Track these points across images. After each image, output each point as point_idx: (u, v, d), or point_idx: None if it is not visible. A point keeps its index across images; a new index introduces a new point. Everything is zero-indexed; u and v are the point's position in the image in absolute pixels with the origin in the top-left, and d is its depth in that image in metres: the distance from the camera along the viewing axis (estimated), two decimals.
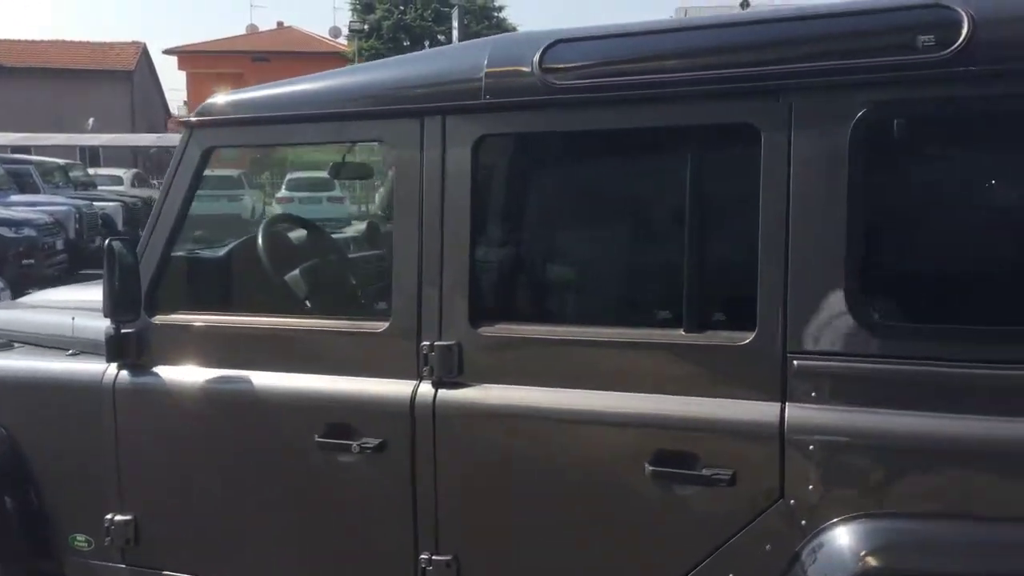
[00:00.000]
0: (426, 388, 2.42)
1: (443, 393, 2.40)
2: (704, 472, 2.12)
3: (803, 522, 2.06)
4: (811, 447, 2.05)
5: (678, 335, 2.22)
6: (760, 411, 2.11)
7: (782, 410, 2.09)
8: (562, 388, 2.30)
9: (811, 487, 2.05)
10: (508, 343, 2.37)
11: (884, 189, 2.09)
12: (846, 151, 2.03)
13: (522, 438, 2.34)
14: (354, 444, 2.43)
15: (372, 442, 2.42)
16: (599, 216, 2.49)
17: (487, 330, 2.38)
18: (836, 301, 2.05)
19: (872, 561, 1.96)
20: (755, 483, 2.10)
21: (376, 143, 2.66)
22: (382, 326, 2.49)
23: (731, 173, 2.26)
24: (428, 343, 2.41)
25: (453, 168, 2.39)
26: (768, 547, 2.10)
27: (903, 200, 2.14)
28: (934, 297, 2.08)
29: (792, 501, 2.07)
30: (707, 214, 2.20)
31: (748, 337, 2.14)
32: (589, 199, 2.51)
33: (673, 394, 2.20)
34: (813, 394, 2.08)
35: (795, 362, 2.09)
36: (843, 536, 2.01)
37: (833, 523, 2.03)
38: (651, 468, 2.16)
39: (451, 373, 2.40)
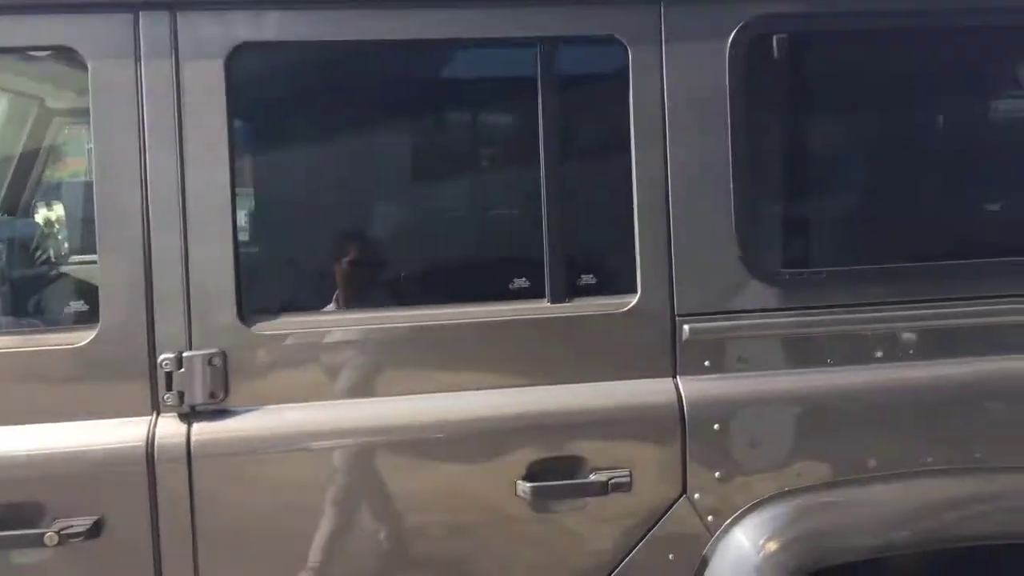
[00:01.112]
0: (170, 426, 1.58)
1: (200, 429, 1.58)
2: (593, 478, 1.65)
3: (709, 518, 1.70)
4: (715, 426, 1.69)
5: (541, 307, 1.70)
6: (652, 391, 1.70)
7: (676, 386, 1.70)
8: (387, 398, 1.65)
9: (717, 475, 1.70)
10: (299, 343, 1.64)
11: (771, 118, 1.79)
12: (726, 73, 1.69)
13: (335, 482, 1.63)
14: (48, 532, 1.51)
15: (79, 524, 1.53)
16: (422, 160, 1.84)
17: (265, 327, 1.62)
18: (725, 249, 1.71)
19: (775, 550, 1.67)
20: (653, 481, 1.68)
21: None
22: (87, 338, 1.58)
23: (594, 98, 1.79)
24: (170, 356, 1.57)
25: (193, 88, 1.57)
26: (671, 556, 1.70)
27: (795, 131, 1.86)
28: (835, 238, 1.85)
29: (696, 495, 1.69)
30: (567, 152, 1.71)
31: (630, 301, 1.70)
32: (408, 138, 1.85)
33: (540, 385, 1.68)
34: (707, 362, 1.72)
35: (686, 326, 1.70)
36: (751, 526, 1.69)
37: (742, 513, 1.70)
38: (525, 486, 1.63)
39: (213, 397, 1.59)
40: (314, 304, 1.71)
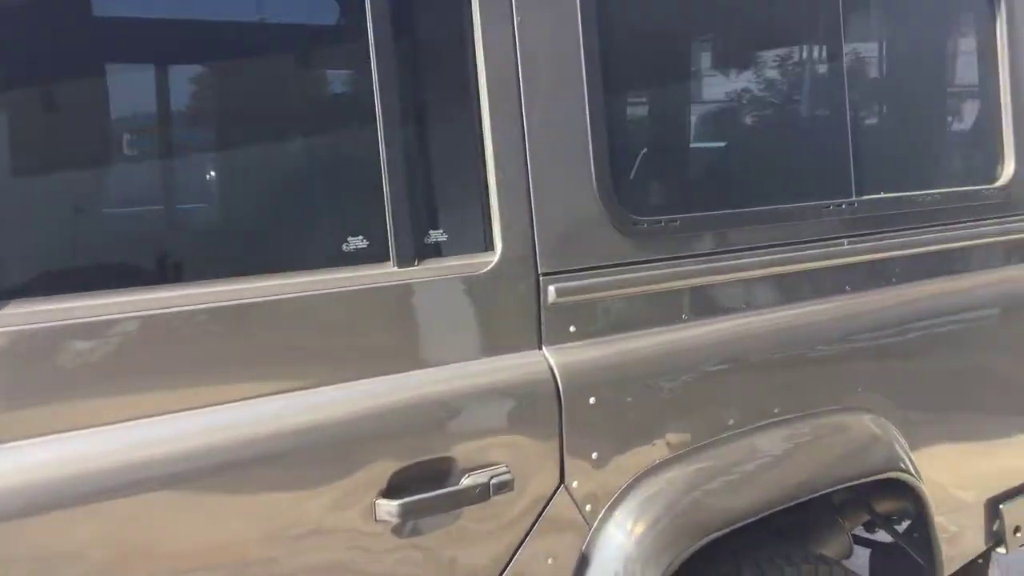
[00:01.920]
0: None
1: None
2: (469, 482, 1.32)
3: (587, 508, 1.47)
4: (591, 400, 1.46)
5: (385, 273, 1.32)
6: (521, 367, 1.41)
7: (546, 359, 1.44)
8: (170, 415, 1.16)
9: (594, 456, 1.47)
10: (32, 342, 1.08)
11: (627, 63, 1.59)
12: (578, 18, 1.46)
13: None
14: None
15: None
16: (223, 98, 1.31)
17: None
18: (585, 197, 1.48)
19: (648, 535, 1.50)
20: (532, 474, 1.40)
21: None
22: None
23: (439, 35, 1.43)
24: None
25: None
26: (550, 561, 1.44)
27: (651, 75, 1.66)
28: (695, 184, 1.69)
29: (574, 483, 1.45)
30: (407, 90, 1.34)
31: (490, 260, 1.39)
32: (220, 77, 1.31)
33: (388, 372, 1.31)
34: (572, 327, 1.47)
35: (551, 287, 1.44)
36: (625, 511, 1.50)
37: (618, 497, 1.50)
38: (390, 506, 1.25)
39: None
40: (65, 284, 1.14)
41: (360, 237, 1.31)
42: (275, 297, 1.21)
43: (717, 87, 1.79)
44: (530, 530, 1.41)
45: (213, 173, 1.36)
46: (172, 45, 1.28)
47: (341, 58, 1.42)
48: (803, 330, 1.73)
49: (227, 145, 1.36)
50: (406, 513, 1.25)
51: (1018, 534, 2.15)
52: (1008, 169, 2.14)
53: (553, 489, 1.43)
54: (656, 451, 1.53)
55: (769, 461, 1.67)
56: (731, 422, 1.62)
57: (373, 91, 1.28)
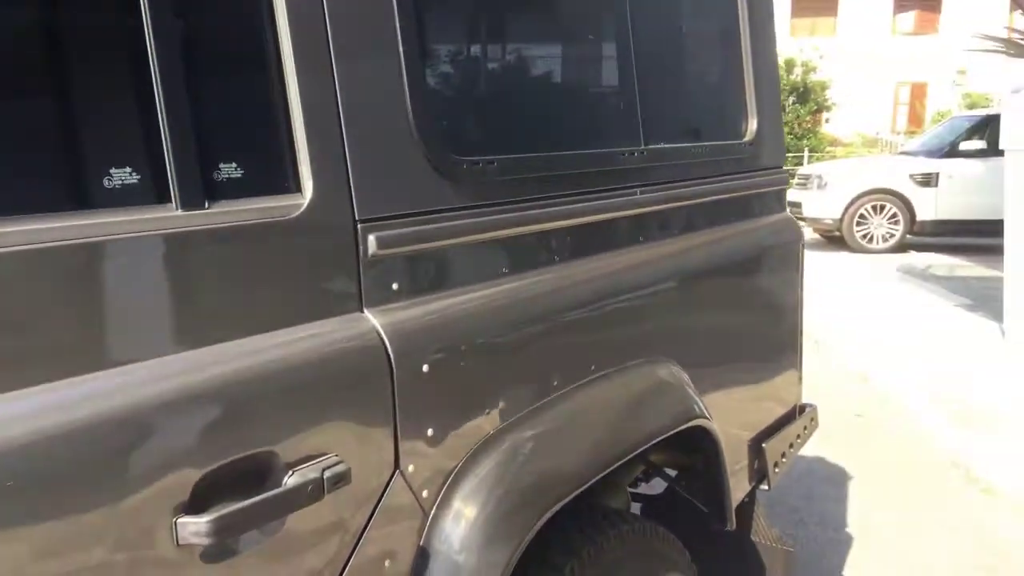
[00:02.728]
0: None
1: None
2: (295, 481, 1.05)
3: (424, 494, 1.26)
4: (424, 368, 1.24)
5: (166, 217, 0.99)
6: (343, 333, 1.16)
7: (371, 322, 1.19)
8: None
9: (429, 433, 1.25)
10: None
11: None
12: None
13: None
14: None
15: None
16: None
17: None
18: (402, 132, 1.25)
19: (482, 519, 1.34)
20: (363, 463, 1.16)
21: None
22: None
23: None
24: None
25: None
26: (387, 564, 1.21)
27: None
28: (511, 124, 1.49)
29: (410, 468, 1.23)
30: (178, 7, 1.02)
31: (298, 204, 1.11)
32: None
33: (177, 349, 0.99)
34: (396, 285, 1.24)
35: (371, 237, 1.20)
36: (460, 495, 1.31)
37: (453, 479, 1.30)
38: (197, 524, 0.94)
39: None
40: None
41: (128, 170, 0.96)
42: (19, 248, 0.84)
43: (529, 33, 1.65)
44: (364, 529, 1.16)
45: None
46: None
47: None
48: (611, 280, 1.66)
49: None
50: (219, 531, 0.95)
51: (777, 469, 2.29)
52: (751, 126, 2.26)
53: (388, 476, 1.19)
54: (489, 422, 1.36)
55: (597, 421, 1.57)
56: (556, 383, 1.50)
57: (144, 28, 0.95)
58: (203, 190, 1.02)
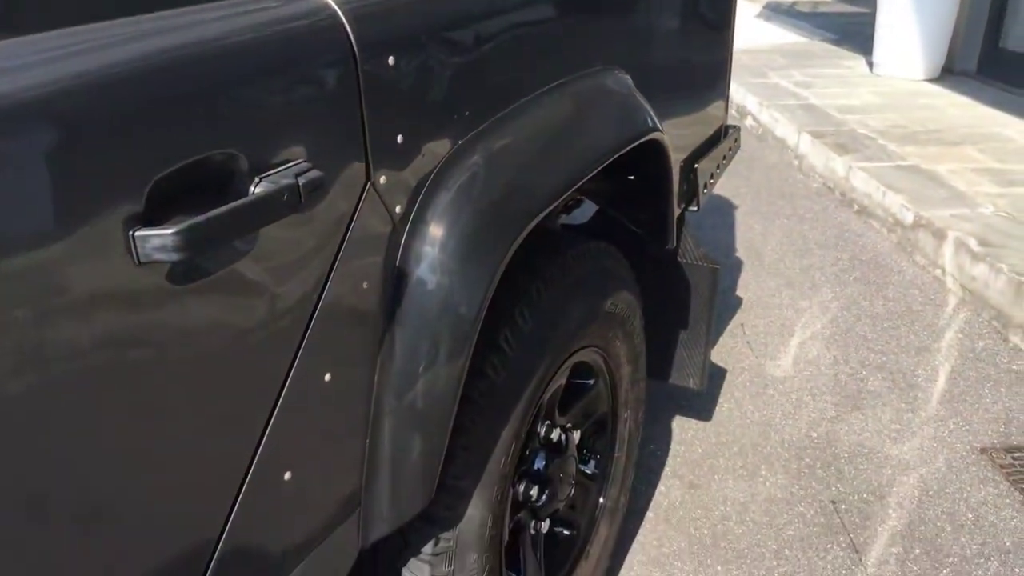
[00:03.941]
0: None
1: None
2: (268, 188, 0.85)
3: (397, 210, 1.09)
4: (391, 60, 1.02)
5: None
6: (297, 9, 0.92)
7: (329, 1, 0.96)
8: None
9: (400, 140, 1.06)
10: None
11: None
12: None
13: None
14: None
15: None
16: None
17: None
18: None
19: (460, 229, 1.19)
20: (335, 172, 0.97)
21: None
22: None
23: None
24: None
25: None
26: (365, 285, 1.06)
27: None
28: None
29: (382, 180, 1.05)
30: None
31: None
32: None
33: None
34: None
35: None
36: (435, 209, 1.15)
37: (428, 189, 1.14)
38: (156, 239, 0.75)
39: None
40: None
41: None
42: None
43: None
44: (340, 248, 1.00)
45: None
46: None
47: None
48: None
49: None
50: (188, 244, 0.76)
51: (706, 190, 2.26)
52: None
53: (361, 189, 1.01)
54: (458, 127, 1.18)
55: (565, 129, 1.41)
56: (522, 87, 1.31)
57: None
58: None
